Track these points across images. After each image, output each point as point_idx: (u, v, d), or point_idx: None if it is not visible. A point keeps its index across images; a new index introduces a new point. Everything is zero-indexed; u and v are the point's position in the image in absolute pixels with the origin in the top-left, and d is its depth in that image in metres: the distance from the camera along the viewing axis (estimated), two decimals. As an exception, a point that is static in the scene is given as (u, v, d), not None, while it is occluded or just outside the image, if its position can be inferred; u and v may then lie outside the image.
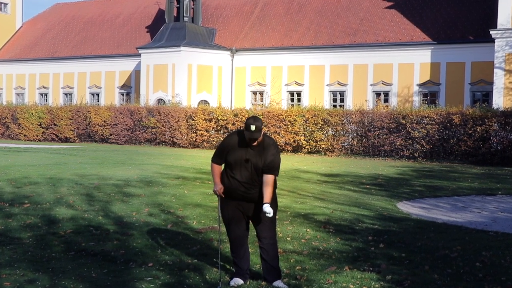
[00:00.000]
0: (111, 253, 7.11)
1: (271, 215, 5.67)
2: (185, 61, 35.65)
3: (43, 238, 7.89)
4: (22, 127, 36.08)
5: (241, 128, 5.66)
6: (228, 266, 6.56)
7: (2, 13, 47.93)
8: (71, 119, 34.63)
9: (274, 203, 5.94)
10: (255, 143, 5.71)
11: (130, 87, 40.73)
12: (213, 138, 29.70)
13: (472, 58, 31.05)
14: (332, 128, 26.77)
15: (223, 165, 6.02)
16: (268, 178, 5.75)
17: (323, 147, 26.76)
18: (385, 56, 33.09)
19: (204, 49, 36.49)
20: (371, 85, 33.56)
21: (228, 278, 6.15)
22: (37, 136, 35.83)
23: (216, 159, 6.00)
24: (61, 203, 10.65)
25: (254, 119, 5.67)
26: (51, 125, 35.42)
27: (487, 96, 30.51)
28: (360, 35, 34.22)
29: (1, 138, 36.78)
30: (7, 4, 48.15)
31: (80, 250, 7.24)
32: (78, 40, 44.75)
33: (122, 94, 41.33)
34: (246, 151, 5.77)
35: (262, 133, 5.75)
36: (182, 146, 30.54)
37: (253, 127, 5.61)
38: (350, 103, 33.05)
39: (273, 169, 5.77)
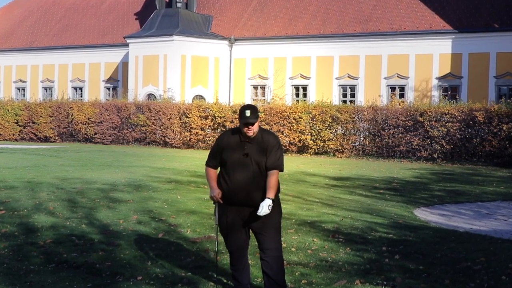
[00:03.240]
0: (96, 265, 7.11)
1: (261, 213, 5.61)
2: (178, 52, 35.65)
3: (20, 248, 7.89)
4: (-3, 125, 36.13)
5: (238, 125, 5.69)
6: (225, 280, 6.56)
7: (-26, -2, 48.01)
8: (51, 116, 34.64)
9: (278, 209, 5.93)
10: (251, 132, 5.71)
11: (117, 81, 40.74)
12: (209, 137, 29.71)
13: (497, 48, 31.03)
14: (341, 126, 26.77)
15: (219, 168, 6.01)
16: (273, 174, 5.78)
17: (331, 148, 26.76)
18: (401, 46, 33.07)
19: (199, 38, 36.49)
20: (385, 78, 33.55)
21: (226, 293, 6.15)
22: (13, 135, 35.85)
23: (210, 162, 5.98)
24: (41, 209, 10.66)
25: (248, 105, 5.81)
26: (29, 123, 35.43)
27: (514, 91, 30.50)
28: (372, 23, 34.21)
29: (-26, 137, 36.83)
30: (-20, -12, 48.22)
31: (61, 262, 7.24)
32: (59, 28, 44.76)
33: (108, 89, 41.34)
34: (243, 146, 5.78)
35: (258, 123, 5.77)
36: (175, 146, 30.55)
37: (248, 112, 5.69)
38: (361, 99, 33.05)
39: (279, 166, 5.82)
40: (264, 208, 5.61)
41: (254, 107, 5.78)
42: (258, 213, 5.63)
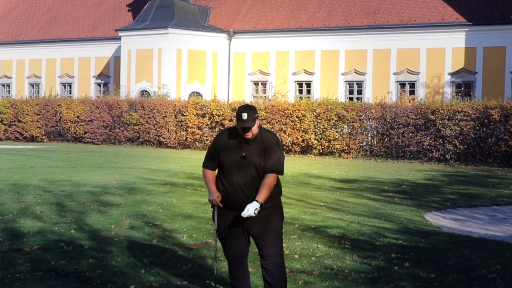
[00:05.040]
0: (86, 273, 7.11)
1: (245, 214, 5.56)
2: (174, 46, 35.66)
3: (5, 255, 7.90)
4: (-20, 124, 36.14)
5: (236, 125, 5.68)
6: (224, 289, 6.57)
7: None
8: (38, 115, 34.64)
9: (279, 213, 5.93)
10: (250, 135, 5.71)
11: (109, 77, 40.76)
12: (206, 136, 29.72)
13: (514, 41, 31.06)
14: (348, 125, 26.77)
15: (217, 171, 6.00)
16: (269, 177, 5.75)
17: (337, 148, 26.77)
18: (411, 39, 33.07)
19: (196, 31, 36.50)
20: (394, 74, 33.55)
21: (224, 303, 6.16)
22: (-2, 134, 35.89)
23: (208, 164, 5.97)
24: (27, 214, 10.67)
25: (245, 107, 5.76)
26: (14, 121, 35.44)
27: (532, 87, 30.52)
28: (381, 15, 34.21)
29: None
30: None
31: (49, 269, 7.25)
32: (46, 20, 44.77)
33: (99, 85, 41.36)
34: (242, 147, 5.78)
35: (257, 123, 5.76)
36: (170, 147, 30.56)
37: (245, 116, 5.66)
38: (369, 96, 33.05)
39: (278, 169, 5.80)
40: (250, 210, 5.56)
41: (252, 108, 5.74)
42: (242, 214, 5.58)
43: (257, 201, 5.62)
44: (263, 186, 5.69)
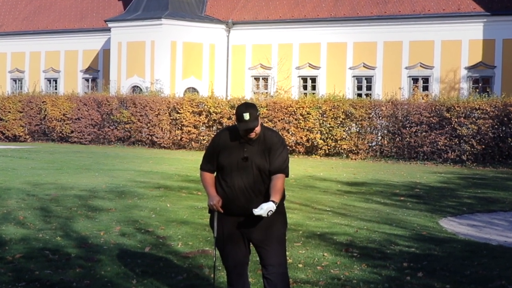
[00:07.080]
0: (73, 283, 7.12)
1: (256, 212, 5.50)
2: (168, 38, 35.67)
3: (-14, 264, 7.91)
4: (-41, 122, 36.16)
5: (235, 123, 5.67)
6: (222, 301, 6.58)
7: None
8: (21, 112, 34.66)
9: (282, 219, 5.92)
10: (253, 135, 5.70)
11: (97, 71, 40.78)
12: (203, 136, 29.73)
13: (536, 33, 31.08)
14: (356, 124, 26.77)
15: (216, 173, 5.98)
16: (279, 178, 5.73)
17: (344, 148, 26.77)
18: (425, 31, 33.08)
19: (191, 22, 36.50)
20: (406, 68, 33.56)
21: (222, 316, 6.16)
22: (-23, 133, 35.90)
23: (206, 166, 5.96)
24: (9, 219, 10.67)
25: (245, 105, 5.70)
26: (-5, 119, 35.48)
27: (556, 83, 30.51)
28: (392, 4, 34.21)
29: None
30: None
31: (32, 280, 7.25)
32: (30, 10, 44.78)
33: (87, 80, 41.38)
34: (243, 148, 5.77)
35: (260, 122, 5.75)
36: (164, 147, 30.57)
37: (246, 116, 5.62)
38: (379, 92, 33.06)
39: (285, 170, 5.80)
40: (263, 209, 5.50)
41: (252, 105, 5.71)
42: (254, 211, 5.52)
43: (273, 201, 5.58)
44: (275, 188, 5.67)
